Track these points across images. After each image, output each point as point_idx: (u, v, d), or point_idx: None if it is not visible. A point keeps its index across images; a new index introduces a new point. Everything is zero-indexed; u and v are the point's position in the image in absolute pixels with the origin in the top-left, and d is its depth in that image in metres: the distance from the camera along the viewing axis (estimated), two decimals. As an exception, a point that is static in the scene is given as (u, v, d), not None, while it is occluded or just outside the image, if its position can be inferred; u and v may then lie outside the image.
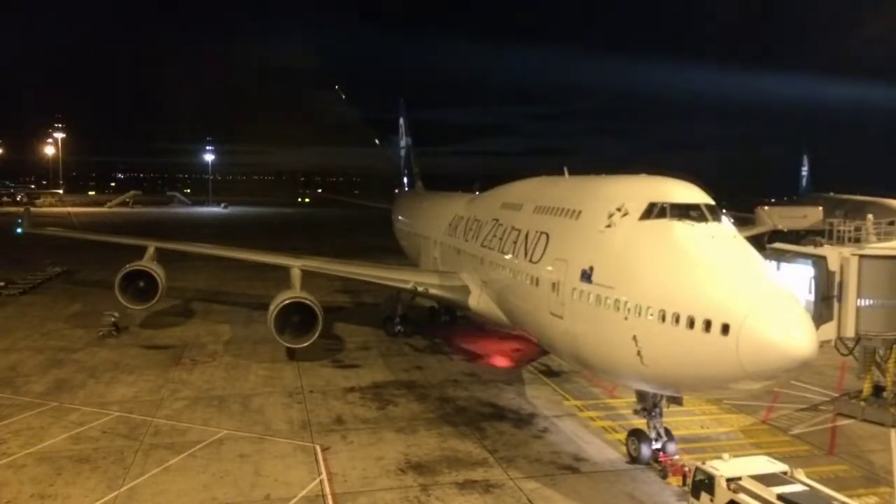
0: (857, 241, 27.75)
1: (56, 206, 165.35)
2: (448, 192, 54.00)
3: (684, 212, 20.96)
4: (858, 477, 22.55)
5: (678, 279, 19.08)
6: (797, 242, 30.45)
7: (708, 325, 17.59)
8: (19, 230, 56.43)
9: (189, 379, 32.28)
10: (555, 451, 24.26)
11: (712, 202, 21.70)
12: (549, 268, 24.78)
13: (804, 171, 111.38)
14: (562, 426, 26.67)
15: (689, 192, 22.07)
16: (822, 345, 27.44)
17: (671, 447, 22.73)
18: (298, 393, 30.45)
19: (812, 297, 26.17)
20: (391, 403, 29.19)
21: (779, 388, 31.40)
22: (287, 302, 33.24)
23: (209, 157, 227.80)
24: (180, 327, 42.87)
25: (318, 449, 24.13)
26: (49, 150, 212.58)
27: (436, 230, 43.45)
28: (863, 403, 27.74)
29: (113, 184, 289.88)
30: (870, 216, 29.46)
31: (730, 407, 28.91)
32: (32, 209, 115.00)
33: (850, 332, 25.99)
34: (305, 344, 33.44)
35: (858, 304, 25.76)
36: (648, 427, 22.90)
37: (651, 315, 18.98)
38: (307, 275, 38.07)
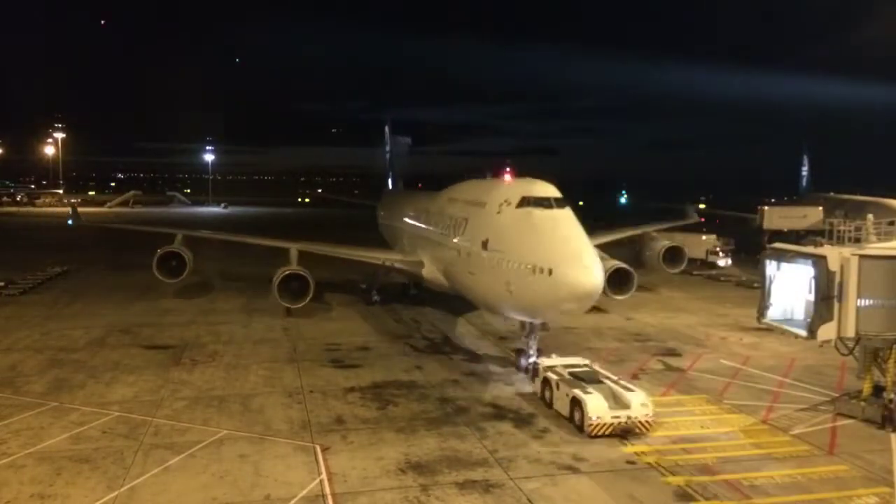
0: (857, 241, 27.73)
1: (56, 206, 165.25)
2: (421, 191, 66.18)
3: (541, 202, 30.75)
4: (858, 477, 22.50)
5: (532, 245, 29.10)
6: (797, 242, 30.41)
7: (542, 270, 27.58)
8: (70, 222, 69.59)
9: (189, 379, 32.30)
10: (555, 451, 24.28)
11: (560, 196, 31.35)
12: (467, 242, 34.79)
13: (804, 171, 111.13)
14: (562, 426, 26.66)
15: (546, 189, 31.80)
16: (822, 345, 27.63)
17: (537, 358, 31.11)
18: (298, 393, 30.47)
19: (812, 297, 26.17)
20: (391, 403, 29.20)
21: (778, 389, 31.49)
22: (287, 272, 43.94)
23: (209, 157, 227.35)
24: (180, 327, 42.90)
25: (318, 449, 24.12)
26: (49, 150, 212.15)
27: (405, 221, 53.69)
28: (863, 403, 27.68)
29: (113, 184, 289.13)
30: (870, 216, 29.43)
31: (730, 407, 28.94)
32: (32, 209, 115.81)
33: (850, 332, 25.91)
34: (300, 305, 43.76)
35: (858, 304, 25.66)
36: (526, 346, 31.94)
37: (517, 267, 28.87)
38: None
